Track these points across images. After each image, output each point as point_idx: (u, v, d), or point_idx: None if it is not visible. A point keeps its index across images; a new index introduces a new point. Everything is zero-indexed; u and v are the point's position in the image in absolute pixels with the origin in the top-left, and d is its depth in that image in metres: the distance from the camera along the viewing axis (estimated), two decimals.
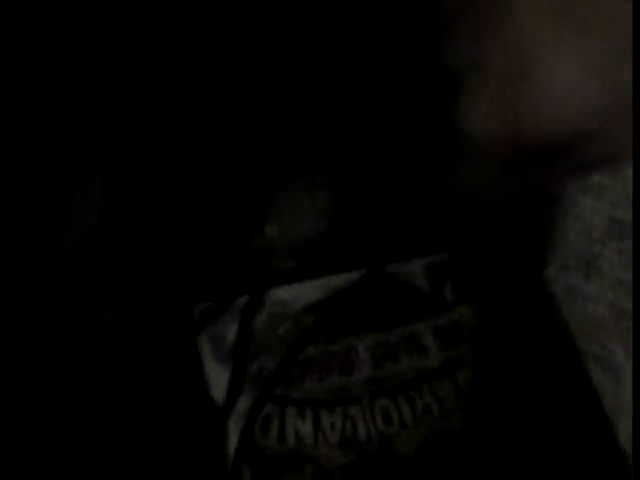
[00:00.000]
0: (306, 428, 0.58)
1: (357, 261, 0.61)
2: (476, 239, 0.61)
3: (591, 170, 0.51)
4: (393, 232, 0.61)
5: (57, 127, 0.62)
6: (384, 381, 0.59)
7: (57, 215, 0.61)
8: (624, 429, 0.55)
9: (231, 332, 0.61)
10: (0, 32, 0.61)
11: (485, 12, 0.43)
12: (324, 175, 0.61)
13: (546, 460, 0.55)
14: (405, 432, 0.58)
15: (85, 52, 0.61)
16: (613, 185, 0.58)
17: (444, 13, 0.45)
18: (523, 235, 0.60)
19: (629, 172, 0.58)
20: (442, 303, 0.61)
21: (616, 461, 0.54)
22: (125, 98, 0.62)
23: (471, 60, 0.44)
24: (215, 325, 0.61)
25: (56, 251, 0.61)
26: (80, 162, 0.61)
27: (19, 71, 0.62)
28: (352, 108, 0.61)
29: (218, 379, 0.60)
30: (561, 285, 0.58)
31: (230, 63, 0.62)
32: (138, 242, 0.61)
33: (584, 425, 0.55)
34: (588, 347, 0.56)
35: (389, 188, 0.62)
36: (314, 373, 0.60)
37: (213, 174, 0.62)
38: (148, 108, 0.62)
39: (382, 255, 0.61)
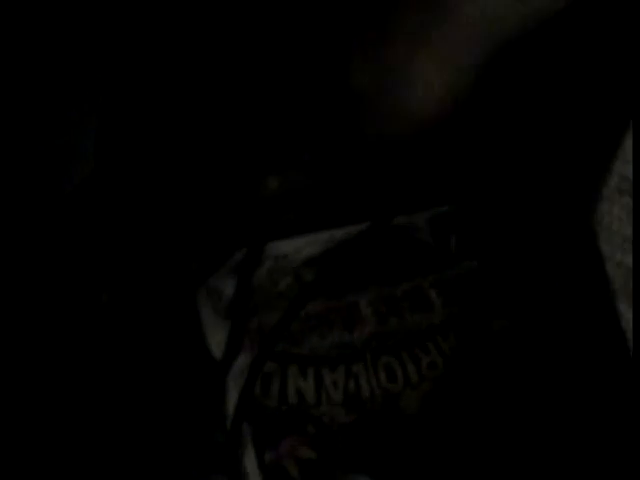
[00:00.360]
0: (308, 387, 0.57)
1: (361, 214, 0.60)
2: (480, 191, 0.60)
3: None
4: (397, 185, 0.60)
5: (50, 76, 0.59)
6: (388, 337, 0.58)
7: (49, 165, 0.59)
8: None
9: (229, 287, 0.59)
10: None
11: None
12: (328, 128, 0.59)
13: (554, 418, 0.55)
14: (409, 389, 0.57)
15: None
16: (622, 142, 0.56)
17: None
18: (529, 189, 0.59)
19: None
20: (447, 257, 0.59)
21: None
22: (121, 50, 0.59)
23: None
24: (213, 280, 0.59)
25: (48, 204, 0.59)
26: (73, 113, 0.59)
27: (16, 20, 0.59)
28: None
29: (217, 336, 0.59)
30: None
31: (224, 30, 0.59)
32: (132, 195, 0.59)
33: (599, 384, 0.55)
34: None
35: (391, 140, 0.60)
36: (315, 329, 0.58)
37: (212, 123, 0.60)
38: (144, 63, 0.59)
39: (387, 208, 0.59)
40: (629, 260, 0.55)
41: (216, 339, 0.59)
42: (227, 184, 0.60)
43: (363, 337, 0.58)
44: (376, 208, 0.59)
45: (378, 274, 0.59)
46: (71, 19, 0.59)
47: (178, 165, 0.60)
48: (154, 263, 0.60)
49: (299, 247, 0.60)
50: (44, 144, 0.59)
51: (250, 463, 0.56)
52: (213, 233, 0.60)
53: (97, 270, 0.59)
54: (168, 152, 0.60)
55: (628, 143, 0.56)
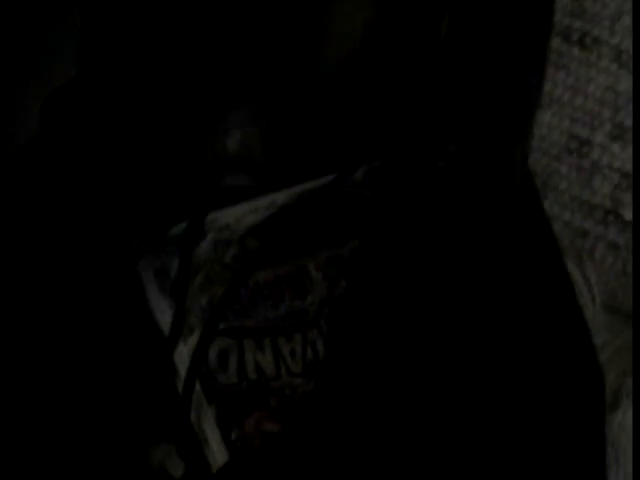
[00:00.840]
0: (266, 359, 0.57)
1: (305, 176, 0.57)
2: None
3: None
4: (341, 144, 0.57)
5: None
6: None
7: None
8: None
9: (175, 264, 0.56)
10: None
11: None
12: (278, 91, 0.55)
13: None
14: None
15: None
16: (572, 100, 0.56)
17: None
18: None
19: (589, 88, 0.56)
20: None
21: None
22: None
23: None
24: (157, 257, 0.56)
25: None
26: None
27: None
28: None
29: (166, 316, 0.56)
30: None
31: None
32: (76, 162, 0.54)
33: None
34: None
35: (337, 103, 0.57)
36: (267, 299, 0.57)
37: (159, 84, 0.55)
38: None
39: (329, 167, 0.57)
40: (576, 219, 0.57)
41: (165, 319, 0.56)
42: (168, 154, 0.55)
43: (315, 302, 0.58)
44: (321, 168, 0.57)
45: (324, 235, 0.58)
46: None
47: (121, 135, 0.55)
48: (95, 239, 0.56)
49: (240, 216, 0.57)
50: None
51: (216, 443, 0.56)
52: (153, 206, 0.56)
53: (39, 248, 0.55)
54: (111, 120, 0.55)
55: (578, 100, 0.56)
